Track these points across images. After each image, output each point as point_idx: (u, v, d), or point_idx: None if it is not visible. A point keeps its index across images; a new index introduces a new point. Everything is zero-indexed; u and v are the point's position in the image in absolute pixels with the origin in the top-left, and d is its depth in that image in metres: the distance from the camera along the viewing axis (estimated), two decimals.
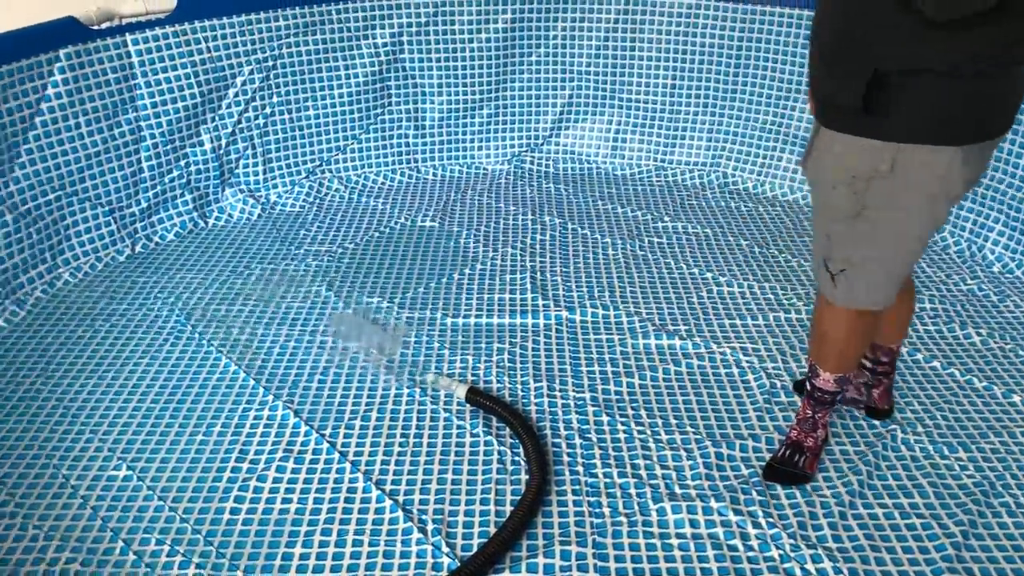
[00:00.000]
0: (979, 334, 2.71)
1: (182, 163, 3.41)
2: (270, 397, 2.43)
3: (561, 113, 4.01)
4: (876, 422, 2.30)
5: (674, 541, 1.95)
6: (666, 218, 3.52)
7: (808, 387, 2.10)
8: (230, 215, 3.54)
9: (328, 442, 2.25)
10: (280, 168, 3.70)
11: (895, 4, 1.54)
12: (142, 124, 3.24)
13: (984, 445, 2.23)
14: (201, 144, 3.45)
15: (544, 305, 2.89)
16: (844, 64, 1.67)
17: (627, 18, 3.78)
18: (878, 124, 1.67)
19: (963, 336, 2.71)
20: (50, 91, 2.92)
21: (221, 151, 3.51)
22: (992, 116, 1.68)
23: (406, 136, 3.92)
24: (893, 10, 1.55)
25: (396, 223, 3.50)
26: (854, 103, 1.66)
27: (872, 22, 1.60)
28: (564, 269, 3.13)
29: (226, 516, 2.02)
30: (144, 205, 3.32)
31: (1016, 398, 2.41)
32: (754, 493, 2.08)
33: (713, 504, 2.05)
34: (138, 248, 3.29)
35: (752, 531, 1.97)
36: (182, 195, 3.44)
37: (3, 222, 2.84)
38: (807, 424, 2.13)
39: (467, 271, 3.11)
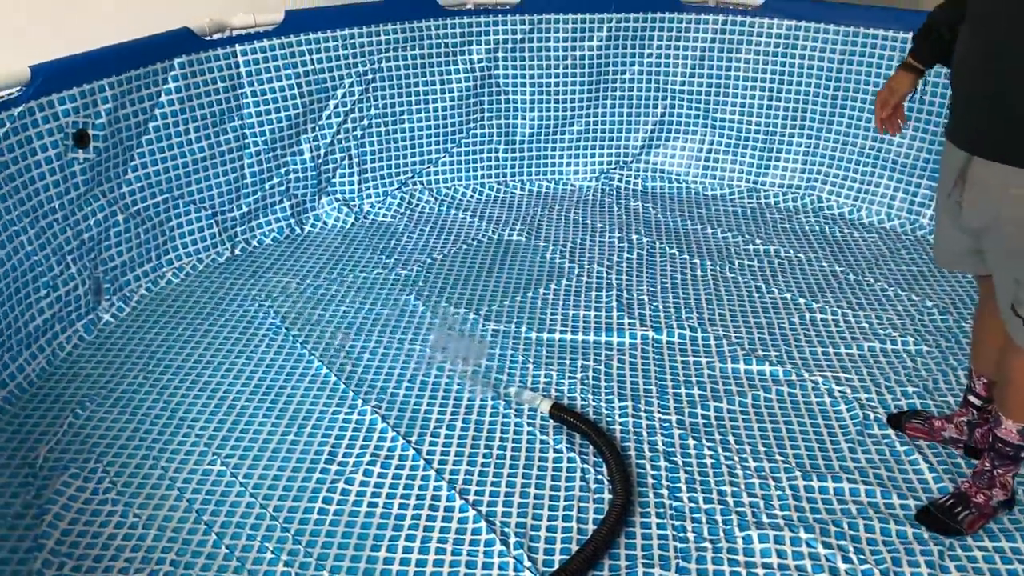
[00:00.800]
0: None
1: (282, 171, 3.53)
2: (359, 401, 2.48)
3: (652, 131, 3.99)
4: (976, 463, 2.20)
5: (760, 571, 1.91)
6: (757, 241, 3.46)
7: (991, 439, 1.99)
8: (325, 223, 3.64)
9: (414, 449, 2.29)
10: (374, 179, 3.78)
11: None
12: (246, 132, 3.37)
13: None
14: (301, 153, 3.56)
15: (630, 324, 2.87)
16: None
17: (723, 37, 3.75)
18: None
19: None
20: (164, 98, 3.05)
21: (319, 160, 3.61)
22: None
23: (496, 151, 3.96)
24: None
25: (484, 236, 3.53)
26: None
27: None
28: (651, 288, 3.10)
29: (314, 516, 2.07)
30: (245, 210, 3.45)
31: None
32: (845, 526, 2.02)
33: (802, 535, 1.99)
34: (237, 251, 3.41)
35: (842, 566, 1.91)
36: (281, 202, 3.55)
37: (115, 222, 2.98)
38: (982, 478, 2.00)
39: (552, 286, 3.12)
